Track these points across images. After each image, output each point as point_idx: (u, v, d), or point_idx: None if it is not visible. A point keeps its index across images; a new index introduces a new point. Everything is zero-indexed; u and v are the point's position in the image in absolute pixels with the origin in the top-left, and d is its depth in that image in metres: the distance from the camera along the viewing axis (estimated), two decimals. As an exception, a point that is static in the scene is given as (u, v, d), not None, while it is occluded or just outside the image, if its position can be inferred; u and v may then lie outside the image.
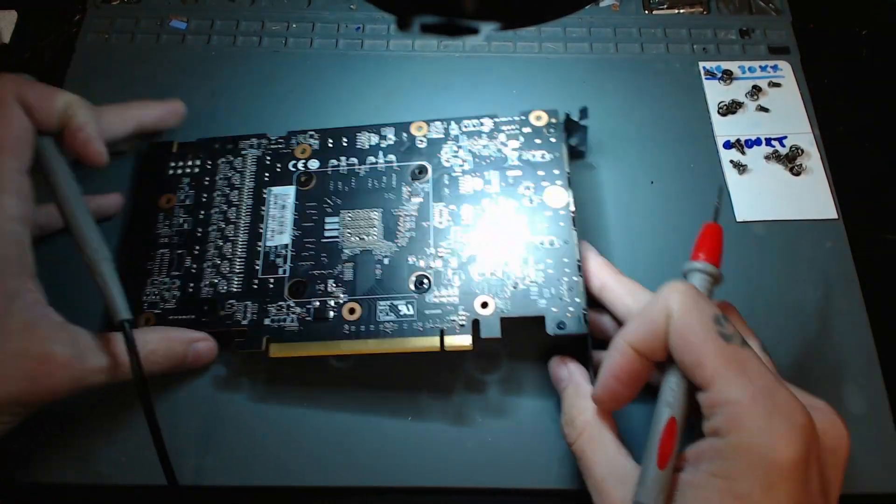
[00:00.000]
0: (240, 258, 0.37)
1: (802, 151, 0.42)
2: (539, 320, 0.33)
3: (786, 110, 0.44)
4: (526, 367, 0.36)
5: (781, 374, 0.36)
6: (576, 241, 0.35)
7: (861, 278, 0.39)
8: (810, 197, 0.41)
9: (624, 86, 0.45)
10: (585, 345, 0.33)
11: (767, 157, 0.42)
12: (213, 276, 0.37)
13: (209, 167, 0.40)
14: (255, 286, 0.37)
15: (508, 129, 0.39)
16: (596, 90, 0.45)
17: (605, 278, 0.34)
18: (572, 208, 0.36)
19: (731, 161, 0.42)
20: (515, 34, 0.47)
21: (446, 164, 0.38)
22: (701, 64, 0.46)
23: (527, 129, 0.38)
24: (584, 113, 0.39)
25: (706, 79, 0.45)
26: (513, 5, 0.20)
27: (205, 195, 0.40)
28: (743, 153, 0.42)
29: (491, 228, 0.36)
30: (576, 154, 0.41)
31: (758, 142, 0.43)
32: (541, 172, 0.37)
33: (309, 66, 0.46)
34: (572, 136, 0.40)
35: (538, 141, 0.38)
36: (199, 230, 0.39)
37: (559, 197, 0.36)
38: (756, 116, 0.44)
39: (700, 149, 0.43)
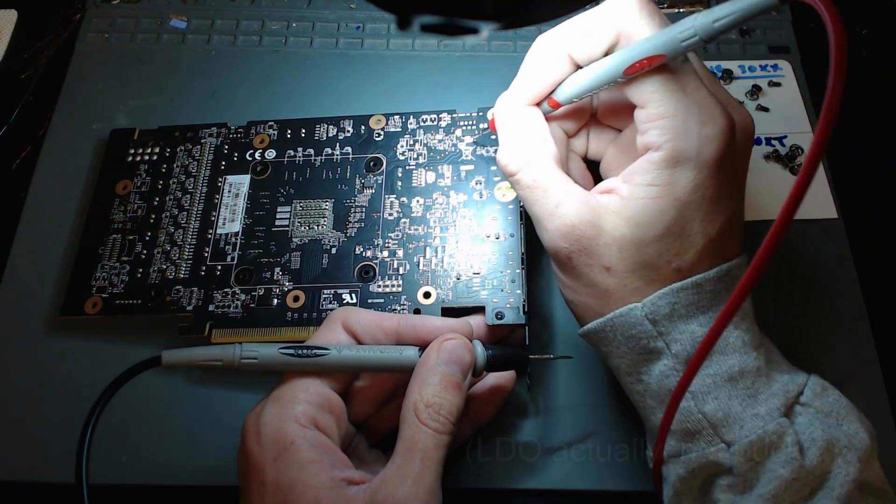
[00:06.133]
0: (190, 245, 0.38)
1: (802, 151, 0.42)
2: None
3: (786, 110, 0.44)
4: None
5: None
6: (522, 235, 0.35)
7: (861, 278, 0.39)
8: (810, 197, 0.40)
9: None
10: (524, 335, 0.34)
11: (767, 157, 0.42)
12: (162, 262, 0.38)
13: (168, 154, 0.41)
14: (203, 273, 0.37)
15: (465, 125, 0.39)
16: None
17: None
18: (521, 203, 0.36)
19: (731, 161, 0.42)
20: (515, 34, 0.47)
21: (401, 158, 0.39)
22: (701, 64, 0.45)
23: (483, 125, 0.39)
24: None
25: (706, 79, 0.45)
26: (512, 5, 0.20)
27: (161, 182, 0.40)
28: (743, 153, 0.42)
29: (440, 221, 0.37)
30: None
31: (758, 141, 0.43)
32: (494, 167, 0.38)
33: (309, 66, 0.46)
34: None
35: (494, 136, 0.38)
36: (153, 217, 0.39)
37: (508, 192, 0.37)
38: (756, 116, 0.43)
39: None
